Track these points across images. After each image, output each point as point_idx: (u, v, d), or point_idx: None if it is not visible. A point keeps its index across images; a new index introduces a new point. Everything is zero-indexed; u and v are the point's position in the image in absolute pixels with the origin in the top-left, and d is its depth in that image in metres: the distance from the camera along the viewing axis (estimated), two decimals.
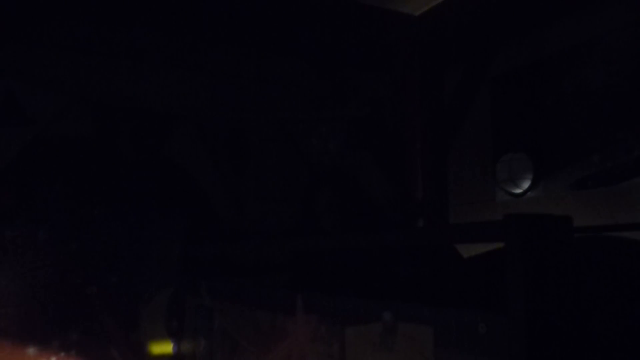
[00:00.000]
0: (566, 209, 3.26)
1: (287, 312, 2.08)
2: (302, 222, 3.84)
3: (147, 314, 3.33)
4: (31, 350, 2.98)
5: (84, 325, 3.13)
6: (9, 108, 3.11)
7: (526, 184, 3.45)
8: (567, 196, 3.28)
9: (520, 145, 3.55)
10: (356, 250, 2.29)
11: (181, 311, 3.31)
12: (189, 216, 3.52)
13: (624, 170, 3.00)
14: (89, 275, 3.18)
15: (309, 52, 3.91)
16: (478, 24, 3.62)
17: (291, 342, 2.05)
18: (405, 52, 3.99)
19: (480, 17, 3.54)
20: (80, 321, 3.12)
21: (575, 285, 1.14)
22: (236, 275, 3.54)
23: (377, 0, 3.55)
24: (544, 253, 1.11)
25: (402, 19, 3.75)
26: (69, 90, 3.26)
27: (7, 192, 3.05)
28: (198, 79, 3.63)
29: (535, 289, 1.09)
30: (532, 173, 3.44)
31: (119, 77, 3.39)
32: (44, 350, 3.01)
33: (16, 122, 3.12)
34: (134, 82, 3.42)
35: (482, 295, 1.48)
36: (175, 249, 3.46)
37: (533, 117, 3.52)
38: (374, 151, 4.08)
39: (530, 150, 3.47)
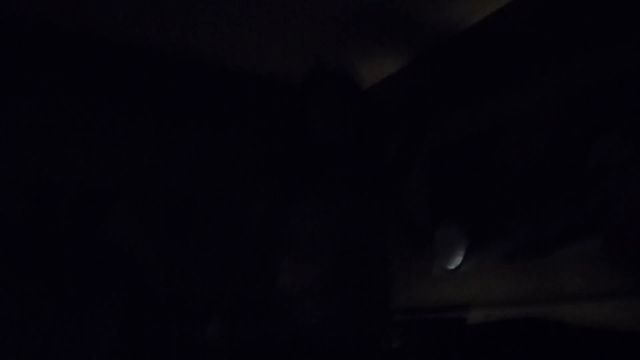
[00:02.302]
0: (499, 281, 3.32)
1: None
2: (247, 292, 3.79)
3: None
4: None
5: None
6: None
7: (459, 257, 3.52)
8: (499, 268, 3.35)
9: (453, 219, 3.64)
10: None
11: None
12: (128, 294, 3.45)
13: (548, 243, 3.09)
14: None
15: (251, 126, 3.97)
16: (411, 102, 3.79)
17: None
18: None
19: (413, 96, 3.72)
20: None
21: None
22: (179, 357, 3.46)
23: None
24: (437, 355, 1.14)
25: None
26: (1, 168, 3.24)
27: None
28: (136, 152, 3.63)
29: None
30: (465, 246, 3.51)
31: (53, 153, 3.38)
32: None
33: None
34: (69, 157, 3.41)
35: None
36: (112, 332, 3.37)
37: (465, 191, 3.64)
38: None
39: (463, 224, 3.56)
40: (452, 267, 3.56)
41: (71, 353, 3.20)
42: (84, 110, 3.55)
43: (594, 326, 2.70)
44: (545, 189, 3.15)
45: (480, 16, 2.97)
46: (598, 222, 2.88)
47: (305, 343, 1.96)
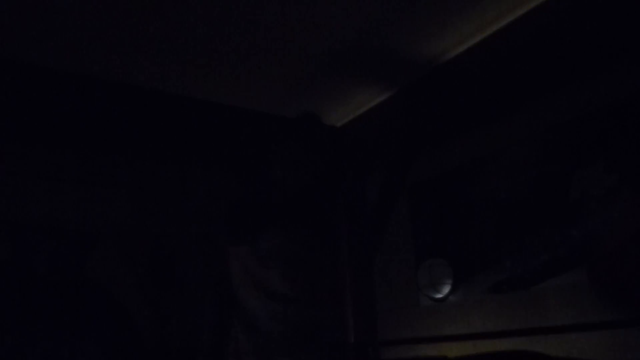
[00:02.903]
0: (486, 313, 3.31)
1: None
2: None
3: None
4: None
5: None
6: None
7: (446, 289, 3.51)
8: (486, 300, 3.34)
9: (439, 251, 3.65)
10: None
11: None
12: (110, 339, 3.39)
13: (534, 274, 3.10)
14: None
15: (232, 164, 3.97)
16: (393, 136, 3.81)
17: None
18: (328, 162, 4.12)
19: (394, 130, 3.74)
20: None
21: None
22: None
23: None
24: None
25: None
26: None
27: None
28: (117, 195, 3.61)
29: None
30: (452, 278, 3.51)
31: (35, 196, 3.35)
32: None
33: None
34: (51, 201, 3.38)
35: None
36: None
37: (449, 224, 3.65)
38: None
39: (449, 256, 3.56)
40: (439, 296, 3.55)
41: None
42: (69, 154, 3.54)
43: (580, 358, 2.70)
44: (530, 220, 3.17)
45: (460, 50, 3.02)
46: (582, 253, 2.89)
47: None
